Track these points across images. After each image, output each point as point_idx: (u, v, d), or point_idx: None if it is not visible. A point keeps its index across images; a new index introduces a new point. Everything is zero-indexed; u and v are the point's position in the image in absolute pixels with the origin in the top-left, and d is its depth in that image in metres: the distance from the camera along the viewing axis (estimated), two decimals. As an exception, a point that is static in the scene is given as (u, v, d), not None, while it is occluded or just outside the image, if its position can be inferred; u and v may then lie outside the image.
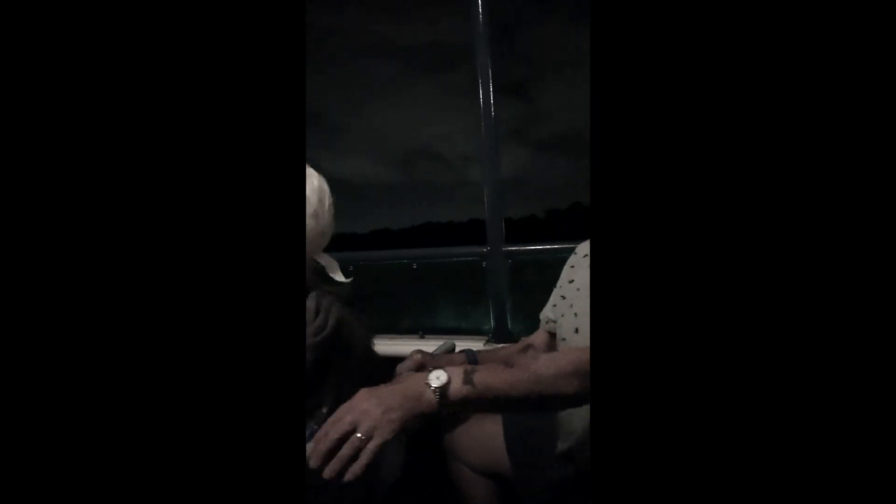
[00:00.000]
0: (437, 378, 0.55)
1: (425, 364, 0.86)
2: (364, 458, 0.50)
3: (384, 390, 0.55)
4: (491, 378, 0.57)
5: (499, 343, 1.36)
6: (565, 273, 0.97)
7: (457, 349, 1.02)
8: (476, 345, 1.40)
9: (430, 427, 0.98)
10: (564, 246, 1.34)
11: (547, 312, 0.98)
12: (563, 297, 0.93)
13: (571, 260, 0.98)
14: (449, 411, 0.56)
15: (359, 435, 0.50)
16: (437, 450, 1.01)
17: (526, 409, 0.86)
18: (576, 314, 0.85)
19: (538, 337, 0.99)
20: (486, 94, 1.36)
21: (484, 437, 0.97)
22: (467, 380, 0.56)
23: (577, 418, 0.80)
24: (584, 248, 0.97)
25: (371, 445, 0.50)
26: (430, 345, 1.04)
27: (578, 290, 0.89)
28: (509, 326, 1.42)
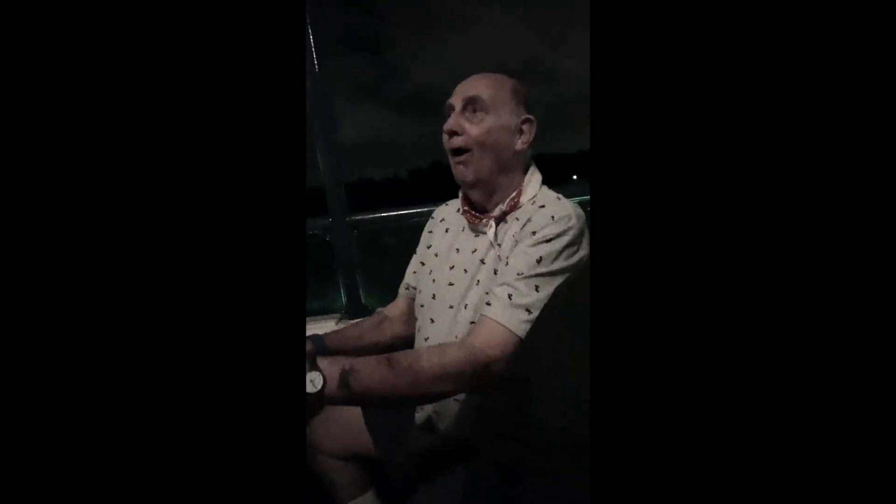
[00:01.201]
0: (311, 382, 0.52)
1: None
2: None
3: None
4: (368, 379, 0.55)
5: (354, 319, 1.29)
6: (424, 238, 0.94)
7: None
8: (329, 325, 1.30)
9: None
10: (413, 211, 1.30)
11: (408, 279, 0.94)
12: (423, 264, 0.90)
13: (429, 225, 0.94)
14: None
15: None
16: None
17: (404, 407, 0.85)
18: (434, 280, 0.83)
19: (395, 307, 0.95)
20: (311, 50, 1.23)
21: (343, 420, 0.91)
22: (343, 383, 0.53)
23: None
24: (440, 211, 0.94)
25: None
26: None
27: (437, 255, 0.86)
28: (363, 301, 1.36)
